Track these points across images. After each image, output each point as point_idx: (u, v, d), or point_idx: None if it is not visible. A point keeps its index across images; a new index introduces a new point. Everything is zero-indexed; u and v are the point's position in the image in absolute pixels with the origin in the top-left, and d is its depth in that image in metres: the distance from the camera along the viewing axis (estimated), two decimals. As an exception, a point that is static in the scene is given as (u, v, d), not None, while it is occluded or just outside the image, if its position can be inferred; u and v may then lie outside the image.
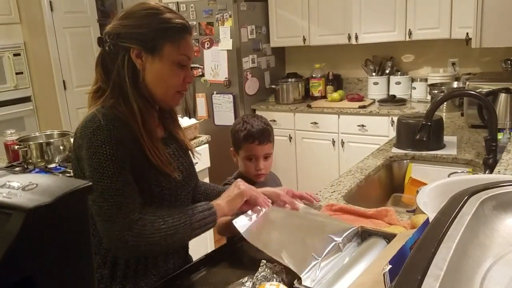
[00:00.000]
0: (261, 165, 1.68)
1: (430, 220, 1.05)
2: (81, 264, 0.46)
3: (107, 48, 1.20)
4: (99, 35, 1.23)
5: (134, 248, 1.11)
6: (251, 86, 4.19)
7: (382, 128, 3.60)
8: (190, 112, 4.27)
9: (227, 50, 4.00)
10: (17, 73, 4.53)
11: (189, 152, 1.41)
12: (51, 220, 0.42)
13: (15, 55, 4.50)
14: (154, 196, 1.22)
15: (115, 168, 1.12)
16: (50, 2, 4.52)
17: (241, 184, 1.34)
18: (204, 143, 3.03)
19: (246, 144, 1.67)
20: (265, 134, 1.68)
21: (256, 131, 1.67)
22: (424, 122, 1.85)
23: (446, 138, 2.42)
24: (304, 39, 4.12)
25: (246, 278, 1.13)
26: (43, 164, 2.44)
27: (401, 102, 3.76)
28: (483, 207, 0.68)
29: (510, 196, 0.72)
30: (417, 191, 1.71)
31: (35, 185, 0.44)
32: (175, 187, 1.28)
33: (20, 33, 4.59)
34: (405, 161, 2.33)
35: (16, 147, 2.47)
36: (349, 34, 3.87)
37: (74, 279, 0.46)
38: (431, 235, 0.57)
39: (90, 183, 0.47)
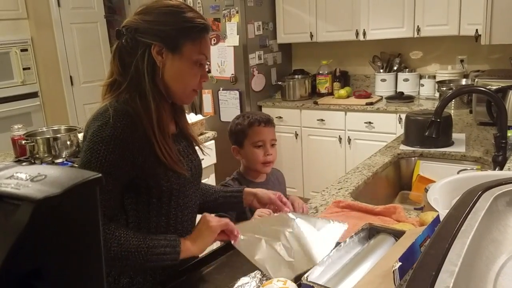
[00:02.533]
0: (270, 150, 1.70)
1: (441, 217, 1.04)
2: (90, 257, 0.46)
3: (124, 41, 1.19)
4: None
5: None
6: (258, 82, 4.18)
7: (390, 125, 3.58)
8: (197, 108, 4.27)
9: (234, 46, 3.99)
10: (24, 69, 4.55)
11: (197, 148, 1.41)
12: (60, 211, 0.42)
13: (22, 50, 4.51)
14: (163, 192, 1.22)
15: (99, 172, 1.10)
16: (57, -3, 4.53)
17: (210, 220, 1.25)
18: (210, 139, 3.03)
19: (252, 128, 1.69)
20: (268, 118, 1.73)
21: (259, 116, 1.72)
22: (433, 119, 1.83)
23: (454, 135, 2.40)
24: (311, 36, 4.10)
25: (253, 274, 1.13)
26: (50, 159, 2.45)
27: (409, 99, 3.73)
28: (497, 203, 0.67)
29: (524, 193, 0.71)
30: (425, 189, 1.70)
31: (44, 176, 0.44)
32: (184, 183, 1.27)
33: (28, 29, 4.60)
34: (413, 158, 2.32)
35: (23, 142, 2.48)
36: (357, 30, 3.85)
37: (82, 272, 0.45)
38: (445, 231, 0.56)
39: (100, 175, 0.46)
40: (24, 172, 0.46)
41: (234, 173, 1.79)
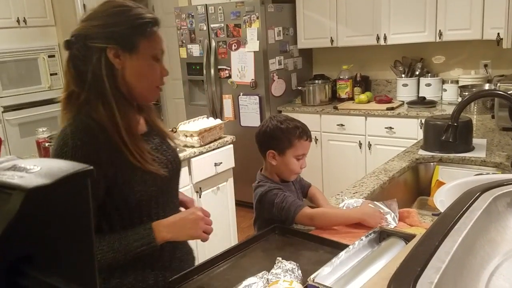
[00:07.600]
0: (304, 163, 1.65)
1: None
2: (81, 246, 0.48)
3: (75, 50, 1.16)
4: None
5: None
6: (278, 87, 4.19)
7: (411, 131, 3.53)
8: (217, 113, 4.30)
9: (254, 51, 4.01)
10: (51, 74, 4.69)
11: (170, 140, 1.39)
12: (50, 201, 0.44)
13: (50, 56, 4.66)
14: (142, 195, 1.21)
15: None
16: (84, 5, 4.66)
17: (198, 210, 1.27)
18: (229, 143, 3.05)
19: (301, 141, 1.60)
20: (310, 131, 1.67)
21: (306, 128, 1.63)
22: (450, 123, 1.80)
23: (475, 141, 2.35)
24: (332, 40, 4.10)
25: (261, 274, 1.13)
26: (72, 161, 2.50)
27: (431, 104, 3.68)
28: (496, 203, 0.66)
29: (527, 194, 0.69)
30: (442, 193, 1.67)
31: (38, 168, 0.46)
32: (162, 182, 1.26)
33: (55, 35, 4.74)
34: (432, 163, 2.28)
35: (46, 144, 2.55)
36: (377, 34, 3.82)
37: (73, 260, 0.47)
38: (437, 229, 0.56)
39: (91, 167, 0.48)
40: (22, 164, 0.48)
41: (261, 176, 1.68)
